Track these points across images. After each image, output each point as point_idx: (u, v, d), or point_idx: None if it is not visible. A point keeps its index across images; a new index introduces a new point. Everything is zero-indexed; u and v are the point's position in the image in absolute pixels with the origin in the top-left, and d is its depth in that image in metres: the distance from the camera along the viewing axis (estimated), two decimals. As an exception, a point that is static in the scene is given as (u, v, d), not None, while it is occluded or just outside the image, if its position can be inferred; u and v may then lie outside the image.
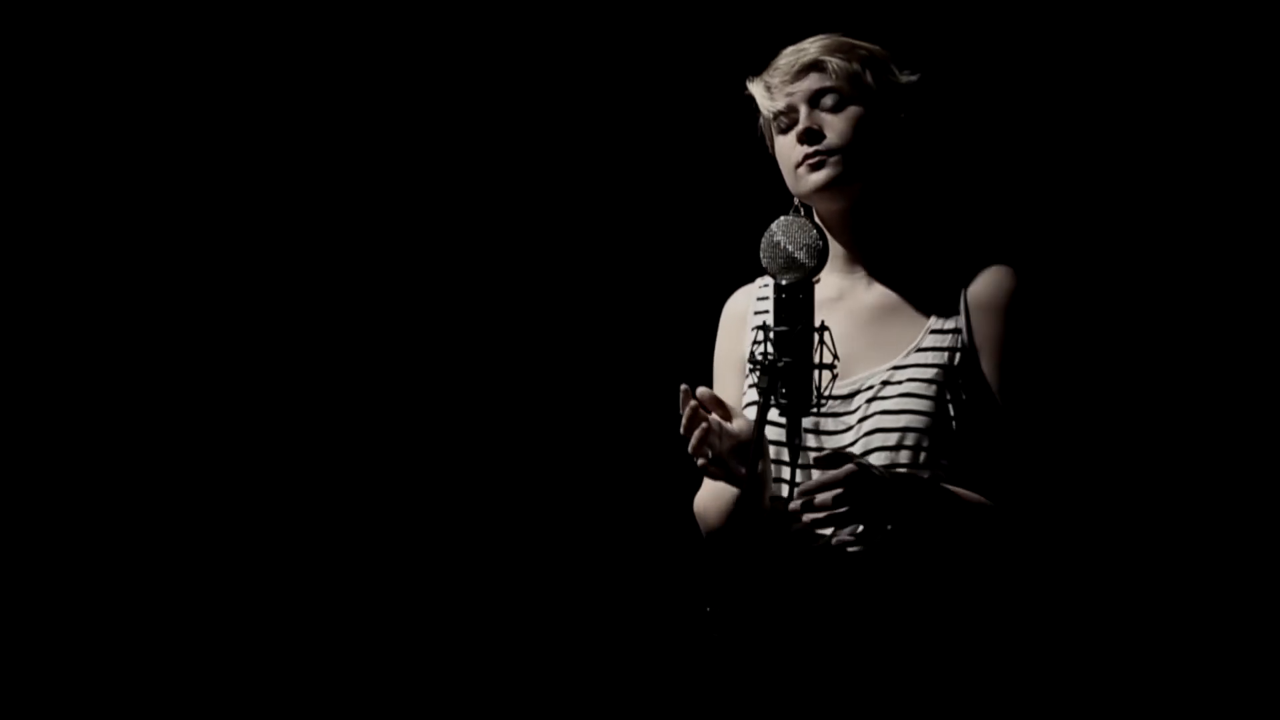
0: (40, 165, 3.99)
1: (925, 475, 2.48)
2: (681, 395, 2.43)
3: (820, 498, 2.39)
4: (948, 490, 2.47)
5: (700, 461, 2.44)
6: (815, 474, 2.43)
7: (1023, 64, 3.66)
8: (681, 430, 2.43)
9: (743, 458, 2.44)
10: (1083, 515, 3.50)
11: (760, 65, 2.62)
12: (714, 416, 2.43)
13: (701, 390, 2.45)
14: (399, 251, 4.03)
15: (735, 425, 2.46)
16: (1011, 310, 2.52)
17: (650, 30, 3.89)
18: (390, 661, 4.01)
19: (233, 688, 3.99)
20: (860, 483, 2.39)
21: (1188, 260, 3.62)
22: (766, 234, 2.47)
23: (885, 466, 2.48)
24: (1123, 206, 3.64)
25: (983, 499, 2.48)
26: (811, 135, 2.55)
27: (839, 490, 2.38)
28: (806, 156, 2.55)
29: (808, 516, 2.40)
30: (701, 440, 2.42)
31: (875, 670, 2.48)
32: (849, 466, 2.39)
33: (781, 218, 2.48)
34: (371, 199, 4.03)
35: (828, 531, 2.50)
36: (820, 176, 2.55)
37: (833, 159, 2.54)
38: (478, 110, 3.99)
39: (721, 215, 3.70)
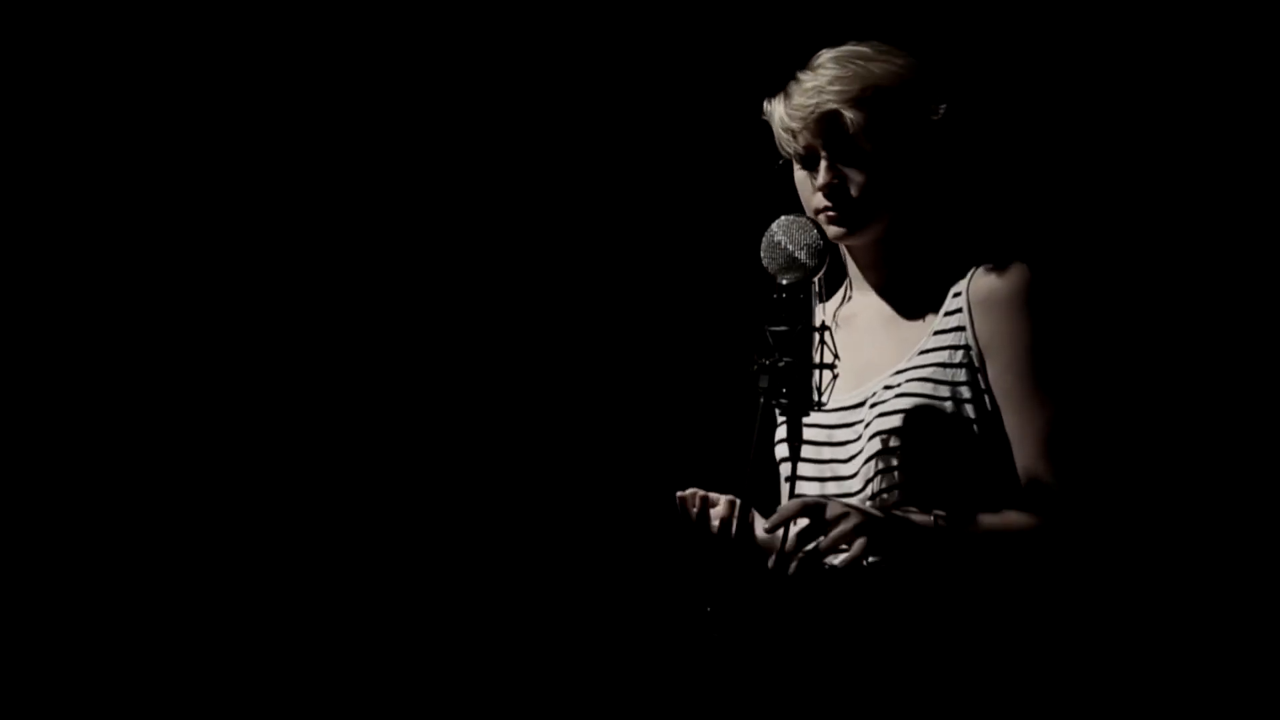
0: (40, 165, 3.98)
1: (934, 504, 2.44)
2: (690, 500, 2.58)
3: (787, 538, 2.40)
4: (955, 521, 2.42)
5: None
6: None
7: (1025, 59, 3.65)
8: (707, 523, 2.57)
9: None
10: (1118, 519, 3.45)
11: (760, 62, 2.59)
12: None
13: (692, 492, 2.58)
14: (401, 253, 4.03)
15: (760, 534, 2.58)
16: (1011, 302, 2.49)
17: (650, 30, 3.88)
18: (390, 661, 4.00)
19: (233, 688, 3.99)
20: (815, 516, 2.37)
21: (1190, 258, 3.62)
22: (766, 234, 2.46)
23: (883, 471, 2.48)
24: (1125, 204, 3.63)
25: (1006, 519, 2.44)
26: (834, 191, 2.52)
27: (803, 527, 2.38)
28: (828, 208, 2.53)
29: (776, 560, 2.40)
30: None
31: (881, 674, 2.47)
32: (798, 503, 2.38)
33: (782, 217, 2.47)
34: (380, 203, 4.03)
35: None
36: (842, 230, 2.54)
37: (855, 210, 2.53)
38: (475, 112, 3.99)
39: (721, 215, 3.69)
